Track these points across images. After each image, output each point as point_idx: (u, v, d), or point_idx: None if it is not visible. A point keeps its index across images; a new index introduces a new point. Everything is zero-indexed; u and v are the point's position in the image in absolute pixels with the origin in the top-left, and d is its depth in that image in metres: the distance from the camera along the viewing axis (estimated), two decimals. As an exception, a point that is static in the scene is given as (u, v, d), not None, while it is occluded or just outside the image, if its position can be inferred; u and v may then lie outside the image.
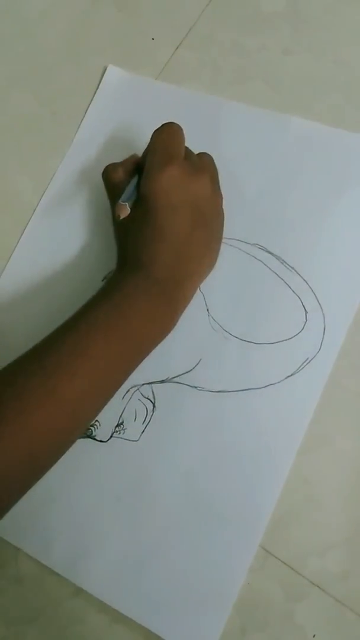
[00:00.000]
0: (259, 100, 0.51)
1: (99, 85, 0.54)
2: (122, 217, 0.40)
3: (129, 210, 0.41)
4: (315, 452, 0.42)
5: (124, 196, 0.41)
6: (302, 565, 0.40)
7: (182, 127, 0.49)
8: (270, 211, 0.48)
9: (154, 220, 0.41)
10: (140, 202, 0.41)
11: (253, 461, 0.42)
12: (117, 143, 0.52)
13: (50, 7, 0.57)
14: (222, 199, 0.44)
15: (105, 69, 0.55)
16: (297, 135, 0.49)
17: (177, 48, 0.54)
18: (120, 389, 0.45)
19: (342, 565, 0.40)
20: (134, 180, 0.43)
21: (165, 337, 0.42)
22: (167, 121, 0.43)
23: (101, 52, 0.55)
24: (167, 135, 0.42)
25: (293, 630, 0.39)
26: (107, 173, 0.45)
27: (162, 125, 0.43)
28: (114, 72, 0.54)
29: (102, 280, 0.49)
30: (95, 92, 0.54)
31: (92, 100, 0.54)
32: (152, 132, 0.48)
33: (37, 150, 0.53)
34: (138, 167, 0.45)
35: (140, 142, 0.51)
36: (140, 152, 0.50)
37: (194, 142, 0.48)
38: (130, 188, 0.42)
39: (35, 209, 0.51)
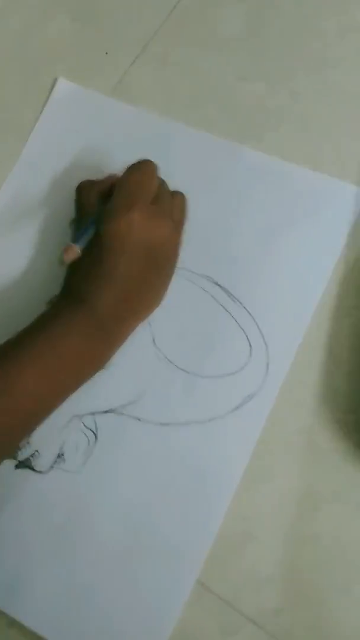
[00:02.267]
0: (211, 125, 0.50)
1: (48, 97, 0.53)
2: (66, 261, 0.39)
3: (79, 253, 0.39)
4: (254, 488, 0.42)
5: (76, 236, 0.40)
6: (238, 600, 0.41)
7: (132, 148, 0.49)
8: (219, 242, 0.47)
9: (105, 260, 0.40)
10: (96, 238, 0.40)
11: (193, 496, 0.42)
12: (66, 160, 0.51)
13: (0, 12, 0.54)
14: (181, 243, 0.44)
15: (55, 81, 0.53)
16: (248, 166, 0.49)
17: (131, 65, 0.53)
18: (61, 419, 0.44)
19: (277, 601, 0.40)
20: (92, 220, 0.41)
21: (97, 371, 0.41)
22: (141, 159, 0.43)
23: (52, 62, 0.53)
24: (138, 175, 0.42)
25: (227, 664, 0.40)
26: (80, 191, 0.45)
27: (137, 162, 0.42)
28: (64, 85, 0.53)
29: (47, 304, 0.47)
30: (44, 105, 0.52)
31: (41, 113, 0.52)
32: (101, 151, 0.47)
33: None
34: (112, 191, 0.43)
35: (90, 161, 0.50)
36: (90, 172, 0.49)
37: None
38: (85, 228, 0.41)
39: (-23, 226, 0.49)
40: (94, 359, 0.41)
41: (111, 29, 0.54)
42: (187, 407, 0.44)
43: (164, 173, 0.47)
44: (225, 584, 0.41)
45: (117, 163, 0.49)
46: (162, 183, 0.43)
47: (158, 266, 0.42)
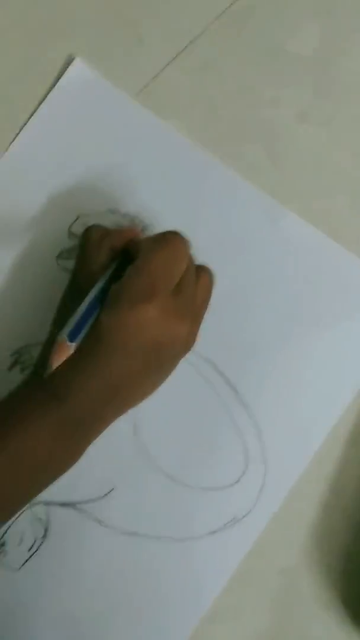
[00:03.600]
0: (252, 169, 0.41)
1: (58, 78, 0.41)
2: (55, 364, 0.30)
3: (71, 351, 0.30)
4: (218, 622, 0.37)
5: (72, 329, 0.30)
6: None
7: (153, 172, 0.40)
8: (234, 320, 0.39)
9: (99, 354, 0.31)
10: (95, 321, 0.31)
11: (149, 621, 0.37)
12: (66, 165, 0.40)
13: None
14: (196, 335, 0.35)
15: (70, 60, 0.41)
16: (287, 235, 0.40)
17: (167, 64, 0.41)
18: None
19: None
20: (91, 303, 0.31)
21: (64, 472, 0.34)
22: (171, 230, 0.33)
23: (71, 35, 0.41)
24: (165, 256, 0.32)
25: None
26: (88, 238, 0.35)
27: (165, 237, 0.33)
28: (80, 69, 0.41)
29: (11, 355, 0.39)
30: (52, 86, 0.41)
31: (45, 96, 0.41)
32: (112, 163, 0.39)
33: None
34: (126, 254, 0.34)
35: (96, 173, 0.40)
36: (93, 188, 0.39)
37: (162, 198, 0.40)
38: (83, 318, 0.31)
39: None
40: (62, 461, 0.33)
41: (152, 9, 0.41)
42: (159, 518, 0.38)
43: (184, 213, 0.39)
44: None
45: (132, 185, 0.40)
46: (189, 261, 0.34)
47: (160, 365, 0.34)
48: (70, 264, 0.39)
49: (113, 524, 0.37)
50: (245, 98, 0.41)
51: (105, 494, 0.38)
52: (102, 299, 0.32)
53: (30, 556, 0.37)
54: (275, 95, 0.41)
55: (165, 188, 0.40)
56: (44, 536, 0.37)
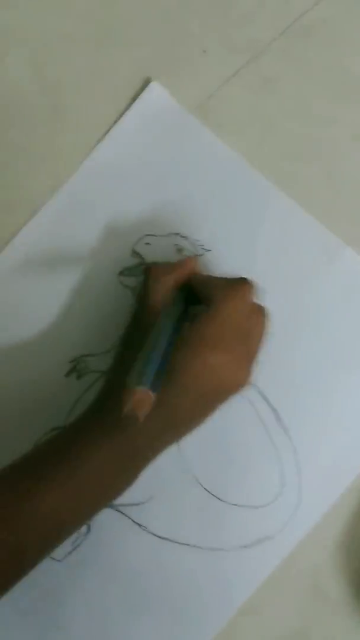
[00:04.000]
0: (307, 188, 0.41)
1: (132, 95, 0.42)
2: (142, 417, 0.29)
3: (153, 403, 0.29)
4: (241, 616, 0.39)
5: (146, 374, 0.29)
6: None
7: (215, 202, 0.41)
8: (283, 351, 0.40)
9: (163, 393, 0.32)
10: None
11: (179, 621, 0.40)
12: (135, 183, 0.42)
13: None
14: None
15: (146, 81, 0.42)
16: (345, 272, 0.41)
17: (230, 77, 0.42)
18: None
19: None
20: (167, 344, 0.32)
21: (119, 497, 0.36)
22: (243, 278, 0.35)
23: (135, 46, 0.41)
24: (238, 307, 0.34)
25: None
26: (152, 276, 0.37)
27: (237, 287, 0.35)
28: (155, 91, 0.42)
29: (70, 362, 0.41)
30: (129, 105, 0.42)
31: (120, 116, 0.42)
32: (175, 186, 0.40)
33: (21, 164, 0.41)
34: (186, 289, 0.36)
35: (163, 192, 0.41)
36: (157, 213, 0.41)
37: (223, 225, 0.41)
38: (157, 360, 0.31)
39: None
40: (119, 487, 0.35)
41: (216, 18, 0.41)
42: (193, 528, 0.40)
43: (240, 239, 0.40)
44: None
45: (195, 209, 0.41)
46: (253, 307, 0.35)
47: (217, 404, 0.35)
48: (131, 281, 0.41)
49: (149, 529, 0.40)
50: (303, 117, 0.42)
51: (146, 500, 0.40)
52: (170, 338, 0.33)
53: (73, 549, 0.40)
54: (333, 115, 0.42)
55: (227, 215, 0.41)
56: (87, 533, 0.40)
